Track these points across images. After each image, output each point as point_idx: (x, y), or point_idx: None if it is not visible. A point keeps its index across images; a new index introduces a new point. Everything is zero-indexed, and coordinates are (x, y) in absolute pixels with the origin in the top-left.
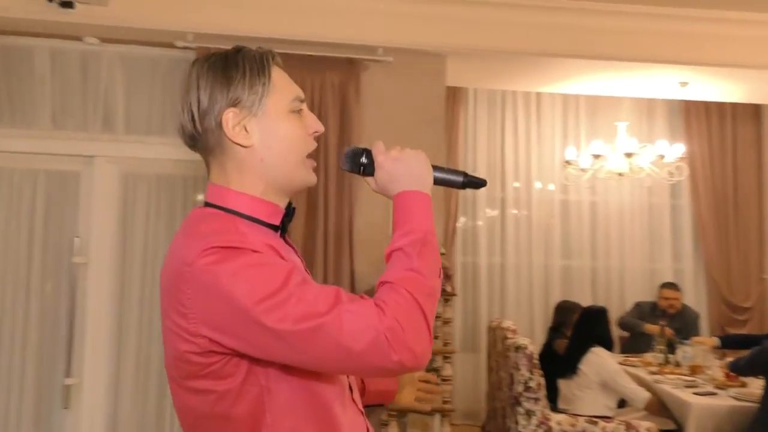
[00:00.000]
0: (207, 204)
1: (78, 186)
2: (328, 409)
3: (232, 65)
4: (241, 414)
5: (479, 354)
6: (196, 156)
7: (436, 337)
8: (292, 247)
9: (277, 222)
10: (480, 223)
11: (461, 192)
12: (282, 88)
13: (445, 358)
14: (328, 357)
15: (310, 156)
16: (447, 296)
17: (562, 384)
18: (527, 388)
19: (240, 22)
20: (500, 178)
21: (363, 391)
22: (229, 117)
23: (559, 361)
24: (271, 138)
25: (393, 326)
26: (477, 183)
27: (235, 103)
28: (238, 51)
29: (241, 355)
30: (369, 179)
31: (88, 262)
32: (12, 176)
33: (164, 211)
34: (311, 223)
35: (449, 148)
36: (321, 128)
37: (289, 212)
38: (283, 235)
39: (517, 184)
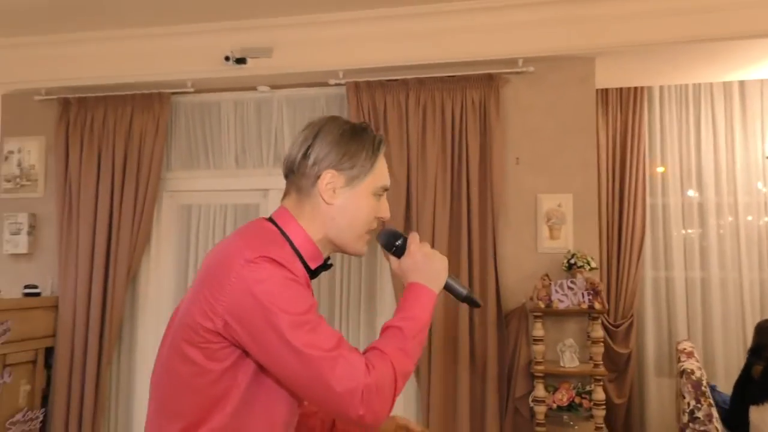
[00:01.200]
0: (271, 219)
1: (258, 216)
2: (274, 427)
3: (355, 139)
4: (209, 394)
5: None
6: None
7: (589, 359)
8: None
9: (314, 266)
10: (675, 233)
11: (650, 202)
12: (378, 175)
13: (596, 380)
14: (311, 385)
15: (369, 232)
16: (595, 313)
17: (754, 412)
18: (693, 419)
19: (382, 54)
20: (697, 180)
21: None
22: (328, 176)
23: (753, 387)
24: (349, 207)
25: (372, 386)
26: (474, 302)
27: (338, 168)
28: (364, 129)
29: (236, 348)
30: (393, 258)
31: None
32: (208, 210)
33: None
34: (455, 242)
35: (632, 154)
36: (388, 216)
37: (326, 265)
38: (315, 277)
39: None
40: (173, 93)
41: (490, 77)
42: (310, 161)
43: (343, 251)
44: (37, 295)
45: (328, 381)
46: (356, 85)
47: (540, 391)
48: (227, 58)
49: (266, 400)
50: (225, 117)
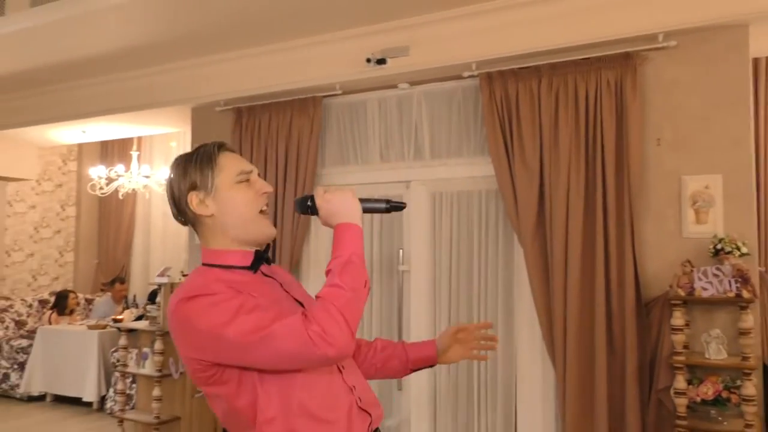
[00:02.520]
0: (203, 263)
1: None
2: (303, 391)
3: (189, 162)
4: (243, 406)
5: None
6: (489, 172)
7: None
8: (271, 277)
9: (248, 264)
10: None
11: None
12: (226, 167)
13: (745, 374)
14: (275, 358)
15: (263, 213)
16: (744, 303)
17: None
18: None
19: (513, 42)
20: None
21: (406, 362)
22: (192, 197)
23: None
24: (224, 206)
25: (317, 330)
26: (398, 206)
27: (193, 187)
28: (195, 150)
29: (226, 366)
30: (317, 217)
31: (410, 269)
32: None
33: (464, 222)
34: (590, 227)
35: None
36: (269, 189)
37: (260, 255)
38: (257, 269)
39: None
40: (324, 96)
41: (626, 56)
42: (177, 200)
43: (257, 241)
44: None
45: (280, 348)
46: (488, 75)
47: (680, 383)
48: (368, 60)
49: (280, 380)
50: (370, 115)
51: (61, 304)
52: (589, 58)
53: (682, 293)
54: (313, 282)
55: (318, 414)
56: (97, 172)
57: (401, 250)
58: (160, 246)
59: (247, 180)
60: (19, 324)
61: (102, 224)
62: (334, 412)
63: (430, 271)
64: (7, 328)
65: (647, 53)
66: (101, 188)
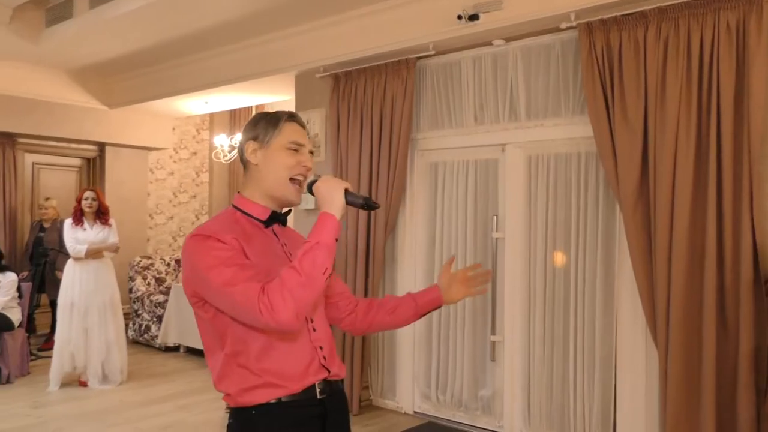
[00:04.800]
0: (232, 204)
1: (497, 171)
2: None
3: (261, 118)
4: (216, 334)
5: None
6: (589, 132)
7: None
8: (278, 237)
9: (264, 218)
10: None
11: None
12: (285, 134)
13: None
14: (232, 311)
15: (294, 181)
16: None
17: None
18: None
19: None
20: None
21: (416, 307)
22: (249, 146)
23: None
24: (268, 161)
25: (266, 303)
26: (371, 204)
27: (253, 138)
28: (275, 112)
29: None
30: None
31: (504, 236)
32: (452, 166)
33: (561, 186)
34: (701, 193)
35: None
36: (309, 164)
37: (276, 215)
38: (269, 225)
39: None
40: (418, 58)
41: None
42: (242, 143)
43: (280, 201)
44: None
45: (236, 307)
46: (588, 25)
47: None
48: (459, 17)
49: (248, 329)
50: (465, 75)
51: None
52: None
53: None
54: (408, 248)
55: (272, 366)
56: (219, 140)
57: (495, 216)
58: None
59: (296, 150)
60: (159, 281)
61: (231, 189)
62: (290, 366)
63: (525, 238)
64: (149, 284)
65: None
66: (224, 155)
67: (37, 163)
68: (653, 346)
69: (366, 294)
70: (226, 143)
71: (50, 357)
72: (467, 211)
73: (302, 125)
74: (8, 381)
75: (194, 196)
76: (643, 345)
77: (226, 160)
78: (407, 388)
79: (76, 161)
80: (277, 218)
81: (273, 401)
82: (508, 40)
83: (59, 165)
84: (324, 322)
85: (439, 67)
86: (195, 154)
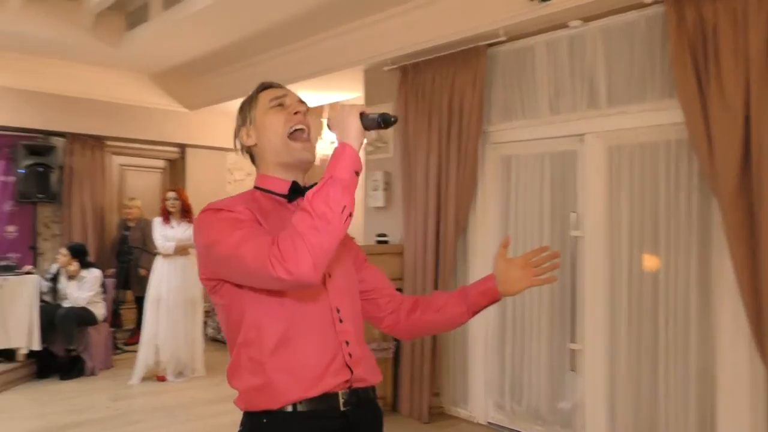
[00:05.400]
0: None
1: (575, 164)
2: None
3: (240, 106)
4: (233, 322)
5: None
6: (679, 118)
7: None
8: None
9: (286, 191)
10: None
11: None
12: (262, 99)
13: None
14: (244, 275)
15: (294, 137)
16: None
17: None
18: None
19: None
20: None
21: (466, 302)
22: (242, 131)
23: None
24: (260, 133)
25: (276, 254)
26: (389, 121)
27: (243, 123)
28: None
29: (223, 281)
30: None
31: (584, 235)
32: (527, 160)
33: (648, 179)
34: None
35: None
36: (300, 107)
37: (298, 188)
38: (292, 200)
39: None
40: (488, 45)
41: None
42: (236, 142)
43: (289, 165)
44: (386, 242)
45: (246, 266)
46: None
47: None
48: None
49: (260, 306)
50: (538, 61)
51: None
52: None
53: None
54: (480, 248)
55: (287, 361)
56: None
57: (574, 214)
58: (358, 209)
59: (280, 104)
60: None
61: None
62: (308, 361)
63: (607, 237)
64: None
65: None
66: None
67: (123, 165)
68: (759, 361)
69: None
70: None
71: (135, 351)
72: (543, 208)
73: (279, 86)
74: (92, 373)
75: None
76: (747, 359)
77: None
78: (479, 397)
79: (160, 163)
80: (301, 191)
81: (288, 410)
82: (585, 20)
83: (144, 166)
84: (356, 315)
85: (511, 54)
86: None
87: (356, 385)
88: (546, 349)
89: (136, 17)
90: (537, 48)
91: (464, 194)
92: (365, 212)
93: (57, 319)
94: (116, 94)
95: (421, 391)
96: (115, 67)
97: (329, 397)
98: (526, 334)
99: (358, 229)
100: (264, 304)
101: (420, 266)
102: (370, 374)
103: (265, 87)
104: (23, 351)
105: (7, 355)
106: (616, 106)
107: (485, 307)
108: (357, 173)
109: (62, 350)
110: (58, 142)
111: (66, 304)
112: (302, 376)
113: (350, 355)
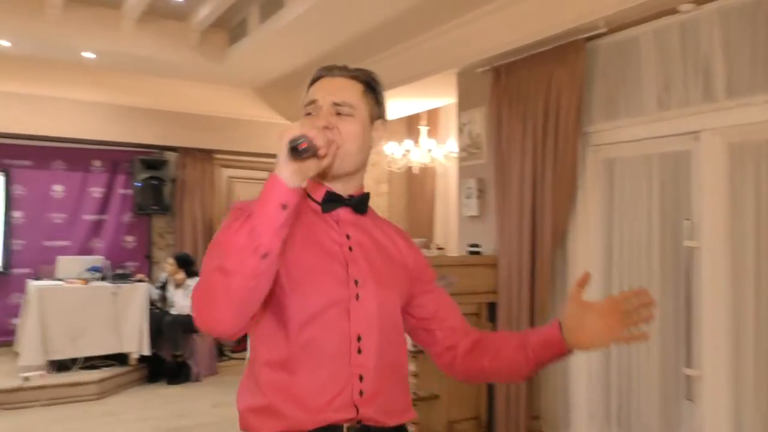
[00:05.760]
0: None
1: (688, 165)
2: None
3: None
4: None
5: None
6: None
7: None
8: (338, 226)
9: (318, 199)
10: None
11: None
12: (305, 98)
13: None
14: None
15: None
16: None
17: None
18: None
19: None
20: None
21: (524, 351)
22: None
23: None
24: None
25: (194, 298)
26: (296, 148)
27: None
28: None
29: None
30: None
31: (701, 246)
32: (633, 163)
33: None
34: None
35: None
36: (321, 122)
37: (333, 197)
38: (326, 210)
39: None
40: (587, 39)
41: None
42: None
43: (327, 173)
44: (478, 253)
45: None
46: None
47: None
48: None
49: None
50: (644, 53)
51: None
52: None
53: None
54: (581, 260)
55: (287, 384)
56: (390, 148)
57: (688, 221)
58: (455, 218)
59: (310, 113)
60: None
61: (410, 199)
62: (309, 391)
63: (729, 248)
64: None
65: None
66: (396, 164)
67: (232, 177)
68: None
69: (532, 320)
70: (399, 151)
71: (242, 359)
72: (652, 216)
73: (326, 75)
74: (197, 379)
75: (376, 207)
76: None
77: (398, 169)
78: (582, 424)
79: (266, 175)
80: (336, 201)
81: None
82: (698, 2)
83: (252, 178)
84: (388, 347)
85: (613, 47)
86: (374, 164)
87: (365, 420)
88: (658, 374)
89: (237, 32)
90: (642, 38)
91: (562, 202)
92: (459, 221)
93: (164, 326)
94: (223, 109)
95: (518, 414)
96: (220, 83)
97: (332, 429)
98: (634, 356)
99: (452, 239)
100: (273, 320)
101: (515, 278)
102: (387, 416)
103: (314, 79)
104: (135, 355)
105: (121, 359)
106: (737, 98)
107: (551, 361)
108: (284, 206)
109: (169, 356)
110: (170, 156)
111: (173, 311)
112: (298, 405)
113: (361, 392)
